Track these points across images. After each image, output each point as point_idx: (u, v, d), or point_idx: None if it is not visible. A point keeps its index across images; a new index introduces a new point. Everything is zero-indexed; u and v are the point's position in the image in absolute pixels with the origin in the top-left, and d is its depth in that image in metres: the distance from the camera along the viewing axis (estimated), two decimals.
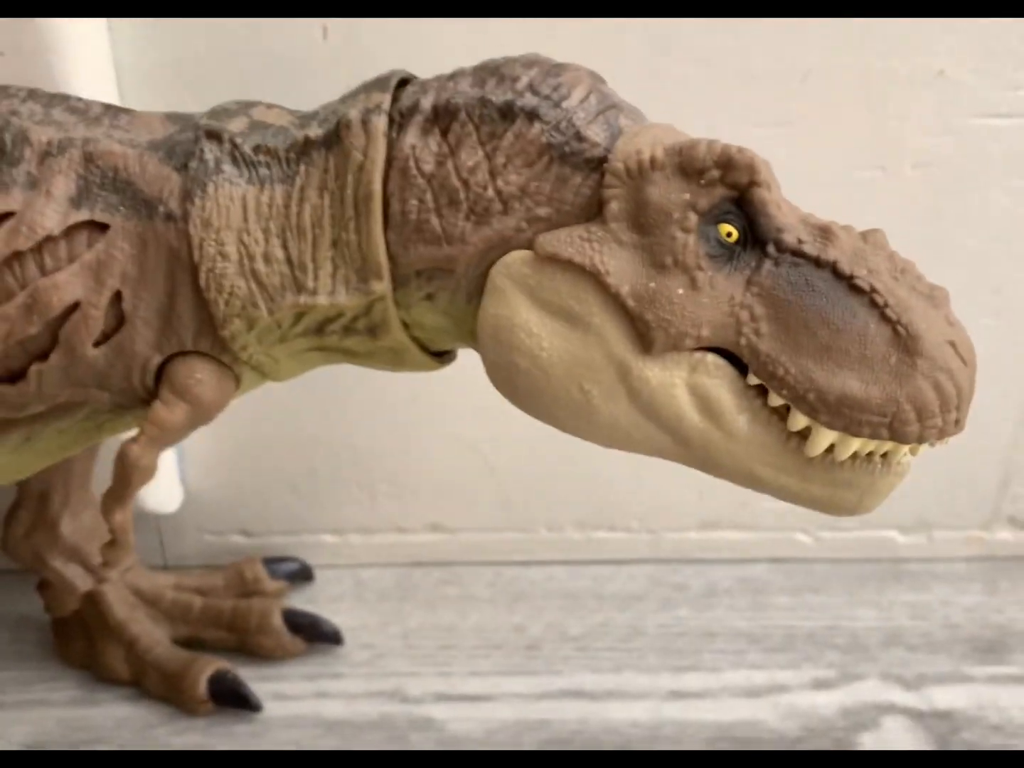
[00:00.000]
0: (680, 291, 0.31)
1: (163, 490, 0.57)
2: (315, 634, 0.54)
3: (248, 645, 0.53)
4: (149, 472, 0.36)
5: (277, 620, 0.53)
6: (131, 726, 0.51)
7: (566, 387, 0.32)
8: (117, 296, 0.35)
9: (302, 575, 0.58)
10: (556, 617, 0.58)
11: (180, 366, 0.35)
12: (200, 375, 0.35)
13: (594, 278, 0.31)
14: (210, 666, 0.50)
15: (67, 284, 0.34)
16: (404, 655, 0.55)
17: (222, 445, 0.58)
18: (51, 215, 0.34)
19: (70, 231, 0.34)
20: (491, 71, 0.34)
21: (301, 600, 0.58)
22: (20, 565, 0.52)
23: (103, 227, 0.34)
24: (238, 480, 0.59)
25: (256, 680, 0.52)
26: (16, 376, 0.35)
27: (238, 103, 0.37)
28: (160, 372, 0.36)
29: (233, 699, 0.50)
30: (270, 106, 0.37)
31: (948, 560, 0.61)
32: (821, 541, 0.61)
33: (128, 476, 0.36)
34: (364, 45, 0.49)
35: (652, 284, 0.31)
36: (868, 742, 0.51)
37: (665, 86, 0.49)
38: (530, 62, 0.34)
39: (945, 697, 0.53)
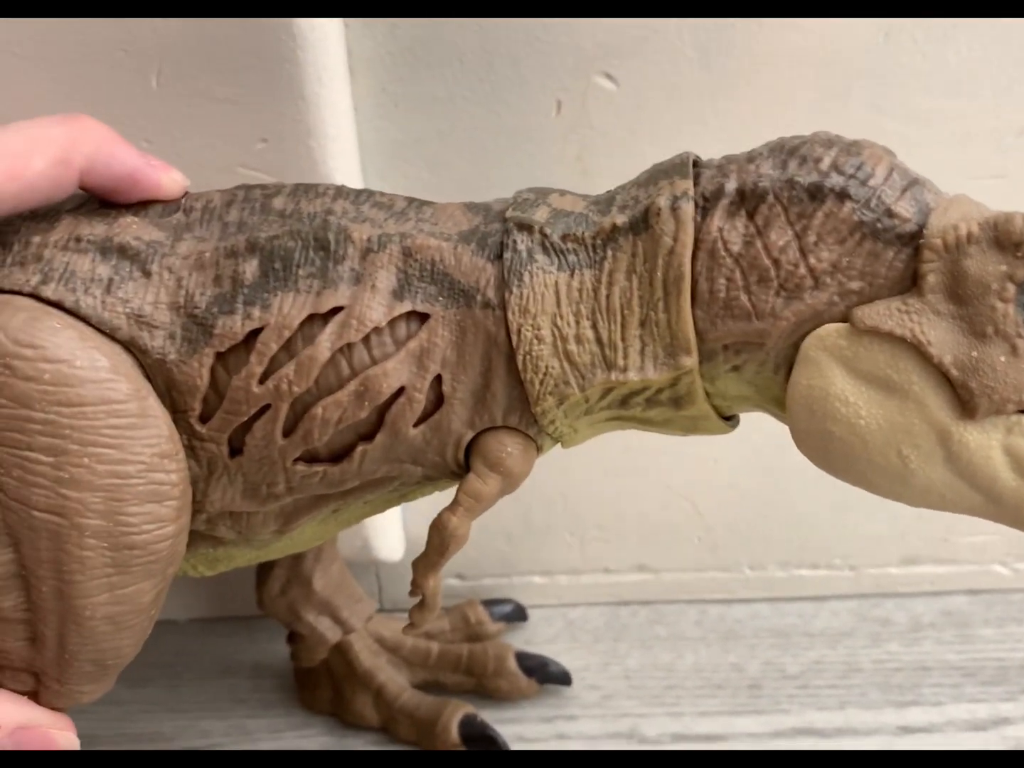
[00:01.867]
0: (1002, 359, 0.32)
1: (391, 539, 0.59)
2: (546, 675, 0.56)
3: (485, 688, 0.55)
4: (463, 540, 0.39)
5: (512, 663, 0.55)
6: None
7: (884, 453, 0.34)
8: (437, 379, 0.37)
9: (517, 616, 0.60)
10: (771, 655, 0.59)
11: (492, 441, 0.38)
12: (511, 448, 0.38)
13: (914, 348, 0.33)
14: (459, 710, 0.53)
15: (394, 371, 0.37)
16: (631, 696, 0.57)
17: (441, 496, 0.60)
18: (377, 308, 0.37)
19: (394, 322, 0.37)
20: (790, 152, 0.36)
21: (519, 641, 0.60)
22: (275, 620, 0.55)
23: (424, 316, 0.37)
24: None
25: (495, 723, 0.54)
26: (340, 456, 0.38)
27: (534, 191, 0.39)
28: (469, 447, 0.38)
29: (483, 741, 0.53)
30: (563, 193, 0.39)
31: None
32: (1018, 572, 0.62)
33: (446, 544, 0.38)
34: (594, 118, 0.51)
35: (974, 353, 0.33)
36: None
37: (891, 145, 0.51)
38: (828, 141, 0.35)
39: None
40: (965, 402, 0.33)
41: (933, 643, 0.60)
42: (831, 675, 0.58)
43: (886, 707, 0.56)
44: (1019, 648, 0.59)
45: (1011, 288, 0.33)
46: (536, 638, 0.61)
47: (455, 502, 0.38)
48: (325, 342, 0.37)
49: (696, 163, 0.38)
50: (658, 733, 0.54)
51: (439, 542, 0.39)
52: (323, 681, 0.56)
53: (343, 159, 0.50)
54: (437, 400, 0.37)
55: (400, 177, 0.52)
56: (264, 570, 0.54)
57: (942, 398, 0.33)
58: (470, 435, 0.38)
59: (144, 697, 0.58)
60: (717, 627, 0.61)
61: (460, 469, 0.39)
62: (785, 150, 0.36)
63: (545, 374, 0.37)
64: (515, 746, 0.54)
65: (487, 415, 0.38)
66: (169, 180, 0.40)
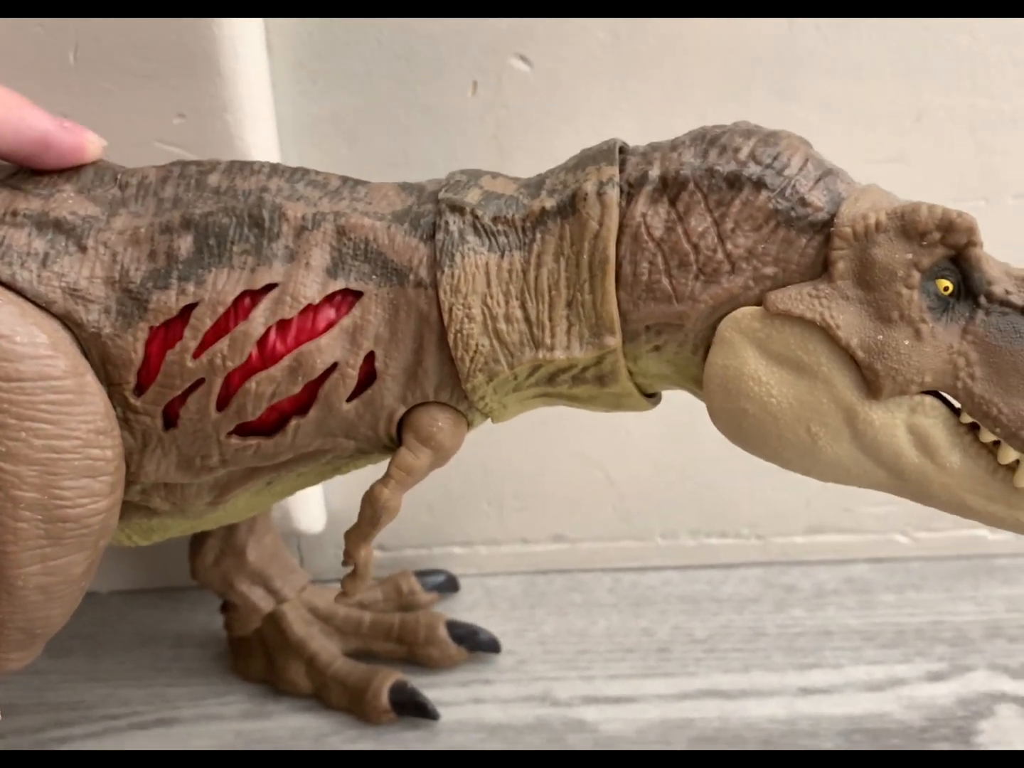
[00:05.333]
0: (906, 342, 0.35)
1: (312, 512, 0.60)
2: (475, 643, 0.57)
3: (416, 656, 0.57)
4: (395, 512, 0.40)
5: (443, 631, 0.57)
6: (306, 735, 0.55)
7: (794, 430, 0.36)
8: (370, 356, 0.38)
9: (449, 586, 0.62)
10: (680, 620, 0.62)
11: (423, 415, 0.39)
12: (441, 423, 0.39)
13: (824, 331, 0.35)
14: (390, 678, 0.54)
15: (328, 347, 0.38)
16: (545, 660, 0.59)
17: (363, 470, 0.61)
18: (311, 285, 0.38)
19: (328, 299, 0.38)
20: (711, 141, 0.37)
21: (439, 609, 0.61)
22: (207, 589, 0.56)
23: (357, 294, 0.38)
24: None
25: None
26: (274, 430, 0.39)
27: (466, 173, 0.40)
28: (402, 422, 0.39)
29: (413, 708, 0.54)
30: (494, 175, 0.40)
31: None
32: (918, 541, 0.66)
33: (378, 516, 0.39)
34: (509, 98, 0.52)
35: (880, 336, 0.35)
36: (987, 729, 0.55)
37: (790, 128, 0.53)
38: (747, 132, 0.37)
39: None
40: (870, 383, 0.35)
41: (836, 609, 0.63)
42: (737, 639, 0.60)
43: (789, 669, 0.58)
44: (917, 613, 0.62)
45: (916, 275, 0.35)
46: (456, 606, 0.62)
47: (387, 475, 0.39)
48: (259, 318, 0.37)
49: (623, 149, 0.39)
50: (570, 696, 0.57)
51: (371, 513, 0.40)
52: (257, 650, 0.57)
53: (260, 135, 0.50)
54: (370, 376, 0.38)
55: (318, 153, 0.53)
56: (198, 541, 0.55)
57: (849, 379, 0.35)
58: (402, 410, 0.39)
59: (66, 667, 0.58)
60: (630, 594, 0.64)
61: (392, 443, 0.40)
62: (707, 139, 0.38)
63: (475, 352, 0.38)
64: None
65: (419, 391, 0.39)
66: (84, 142, 0.40)
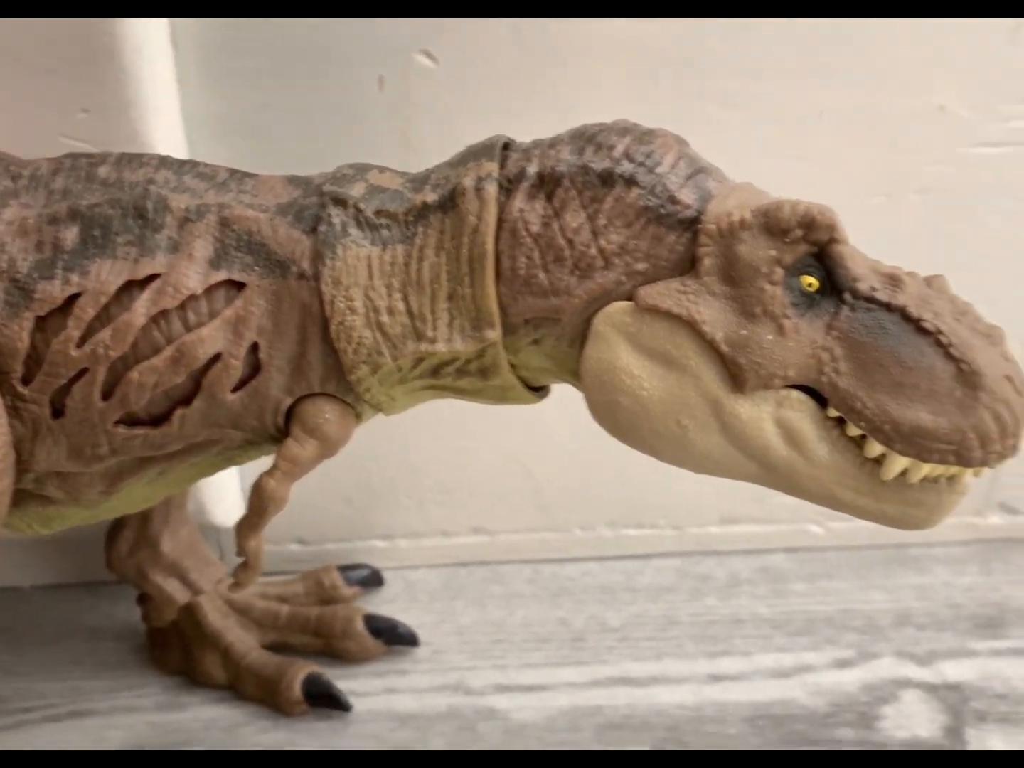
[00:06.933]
0: (769, 337, 0.36)
1: (228, 505, 0.60)
2: (394, 637, 0.58)
3: (333, 649, 0.57)
4: (283, 503, 0.40)
5: (360, 625, 0.57)
6: (219, 726, 0.55)
7: (664, 422, 0.37)
8: (254, 347, 0.39)
9: (373, 580, 0.63)
10: (596, 610, 0.63)
11: (309, 407, 0.39)
12: (328, 414, 0.39)
13: (690, 326, 0.36)
14: (304, 669, 0.55)
15: (210, 338, 0.38)
16: (461, 651, 0.60)
17: None
18: (193, 276, 0.38)
19: (210, 290, 0.38)
20: (588, 139, 0.38)
21: (358, 602, 0.62)
22: (123, 580, 0.56)
23: (240, 285, 0.38)
24: (296, 493, 0.62)
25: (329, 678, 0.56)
26: (160, 420, 0.39)
27: (353, 167, 0.41)
28: (289, 413, 0.40)
29: (326, 700, 0.55)
30: (382, 170, 0.41)
31: (946, 544, 0.67)
32: (831, 531, 0.67)
33: (264, 507, 0.40)
34: (415, 94, 0.53)
35: (744, 331, 0.36)
36: (890, 714, 0.56)
37: (699, 125, 0.53)
38: (623, 130, 0.38)
39: (954, 671, 0.58)
40: (735, 376, 0.36)
41: (748, 597, 0.64)
42: (650, 628, 0.61)
43: (699, 657, 0.59)
44: (827, 602, 0.63)
45: (779, 272, 0.36)
46: (376, 599, 0.63)
47: (274, 466, 0.40)
48: (141, 308, 0.38)
49: (508, 146, 0.40)
50: (483, 685, 0.57)
51: (258, 504, 0.40)
52: (173, 641, 0.57)
53: (167, 131, 0.50)
54: (254, 367, 0.39)
55: (226, 149, 0.53)
56: (113, 532, 0.55)
57: (715, 372, 0.36)
58: (288, 401, 0.40)
59: None
60: (549, 585, 0.65)
61: (281, 434, 0.41)
62: (584, 136, 0.38)
63: (358, 344, 0.38)
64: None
65: (304, 382, 0.39)
66: None
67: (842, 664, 0.59)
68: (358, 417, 0.41)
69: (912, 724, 0.55)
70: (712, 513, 0.66)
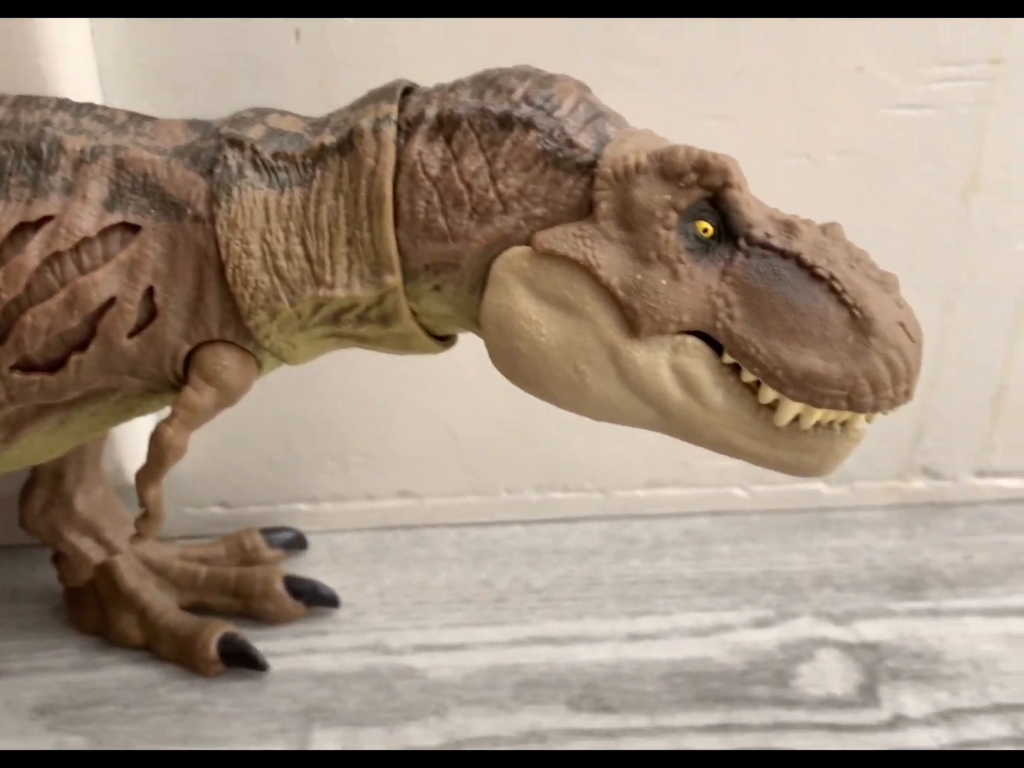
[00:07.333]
0: (663, 282, 0.36)
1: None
2: (315, 598, 0.58)
3: (252, 610, 0.57)
4: (181, 451, 0.40)
5: (279, 586, 0.57)
6: (134, 686, 0.55)
7: (562, 368, 0.37)
8: (149, 291, 0.38)
9: (297, 543, 0.62)
10: (520, 572, 0.63)
11: (208, 353, 0.39)
12: (226, 361, 0.39)
13: (587, 271, 0.36)
14: (219, 629, 0.54)
15: (104, 281, 0.38)
16: (382, 612, 0.60)
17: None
18: (87, 218, 0.38)
19: (105, 232, 0.38)
20: (488, 82, 0.38)
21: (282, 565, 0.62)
22: (36, 539, 0.55)
23: (135, 228, 0.38)
24: (217, 456, 0.63)
25: (248, 638, 0.56)
26: (56, 366, 0.39)
27: (254, 111, 0.40)
28: (188, 360, 0.39)
29: (242, 659, 0.54)
30: (283, 113, 0.40)
31: (869, 508, 0.67)
32: (755, 495, 0.67)
33: (163, 455, 0.40)
34: (334, 48, 0.52)
35: (639, 276, 0.36)
36: (805, 672, 0.57)
37: (615, 85, 0.53)
38: (524, 74, 0.38)
39: (871, 631, 0.59)
40: (630, 321, 0.36)
41: (672, 559, 0.64)
42: (573, 588, 0.61)
43: (620, 617, 0.60)
44: (749, 564, 0.64)
45: (674, 216, 0.36)
46: (299, 562, 0.63)
47: (172, 414, 0.40)
48: (34, 250, 0.37)
49: (411, 90, 0.39)
50: (401, 645, 0.57)
51: (156, 453, 0.40)
52: (90, 601, 0.57)
53: (79, 80, 0.50)
54: (151, 312, 0.39)
55: (144, 102, 0.52)
56: (27, 490, 0.54)
57: (612, 318, 0.36)
58: (187, 348, 0.39)
59: None
60: (474, 548, 0.65)
61: (179, 382, 0.40)
62: (485, 80, 0.38)
63: (255, 288, 0.38)
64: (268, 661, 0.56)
65: (202, 328, 0.39)
66: None
67: (760, 623, 0.60)
68: (259, 365, 0.40)
69: (827, 682, 0.56)
70: (639, 477, 0.66)
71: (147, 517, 0.41)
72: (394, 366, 0.61)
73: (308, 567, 0.62)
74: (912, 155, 0.58)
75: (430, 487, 0.66)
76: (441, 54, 0.53)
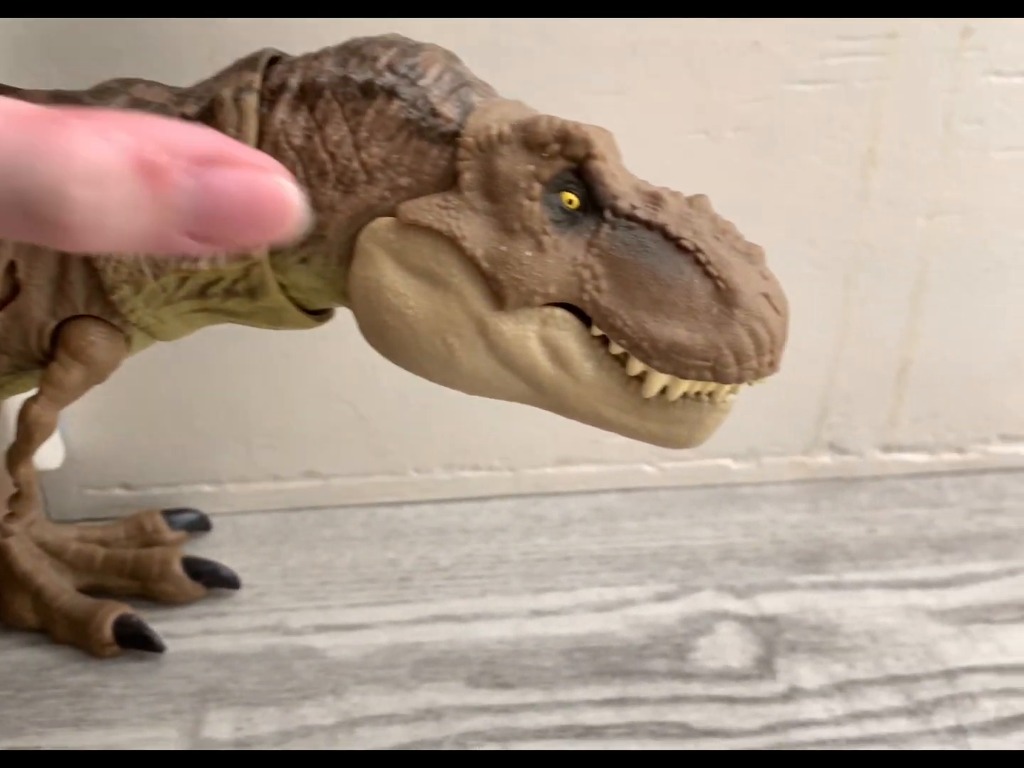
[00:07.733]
0: (528, 253, 0.35)
1: (47, 447, 0.58)
2: (215, 580, 0.57)
3: (150, 592, 0.56)
4: (50, 428, 0.39)
5: (177, 567, 0.56)
6: (27, 669, 0.54)
7: (431, 341, 0.37)
8: (11, 266, 0.37)
9: (200, 525, 0.62)
10: (427, 551, 0.62)
11: (74, 329, 0.38)
12: (93, 337, 0.38)
13: (452, 242, 0.36)
14: (115, 611, 0.54)
15: None
16: (284, 592, 0.59)
17: (102, 403, 0.60)
18: None
19: None
20: (353, 51, 0.37)
21: (185, 547, 0.61)
22: None
23: None
24: (118, 436, 0.62)
25: (147, 620, 0.55)
26: None
27: (119, 81, 0.39)
28: (55, 336, 0.39)
29: (138, 641, 0.54)
30: (150, 84, 0.39)
31: (776, 483, 0.68)
32: (664, 471, 0.68)
33: (31, 433, 0.39)
34: (223, 21, 0.51)
35: (503, 247, 0.35)
36: (704, 645, 0.57)
37: (509, 60, 0.53)
38: (389, 43, 0.37)
39: (771, 603, 0.60)
40: (496, 293, 0.36)
41: (579, 536, 0.64)
42: (479, 566, 0.61)
43: (524, 593, 0.60)
44: (656, 539, 0.64)
45: (537, 187, 0.36)
46: (202, 544, 0.62)
47: (39, 391, 0.39)
48: None
49: (278, 59, 0.39)
50: (302, 625, 0.57)
51: (24, 430, 0.39)
52: None
53: None
54: (14, 287, 0.38)
55: (29, 75, 0.50)
56: None
57: (478, 290, 0.36)
58: (52, 323, 0.38)
59: None
60: (382, 528, 0.64)
61: (47, 358, 0.39)
62: (350, 48, 0.38)
63: (119, 262, 0.37)
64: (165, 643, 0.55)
65: (68, 304, 0.38)
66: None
67: (663, 598, 0.60)
68: (128, 341, 0.40)
69: (724, 655, 0.56)
70: (548, 455, 0.66)
71: (20, 496, 0.41)
72: (298, 346, 0.61)
73: (211, 549, 0.62)
74: (810, 130, 0.58)
75: (337, 467, 0.65)
76: (329, 25, 0.52)
